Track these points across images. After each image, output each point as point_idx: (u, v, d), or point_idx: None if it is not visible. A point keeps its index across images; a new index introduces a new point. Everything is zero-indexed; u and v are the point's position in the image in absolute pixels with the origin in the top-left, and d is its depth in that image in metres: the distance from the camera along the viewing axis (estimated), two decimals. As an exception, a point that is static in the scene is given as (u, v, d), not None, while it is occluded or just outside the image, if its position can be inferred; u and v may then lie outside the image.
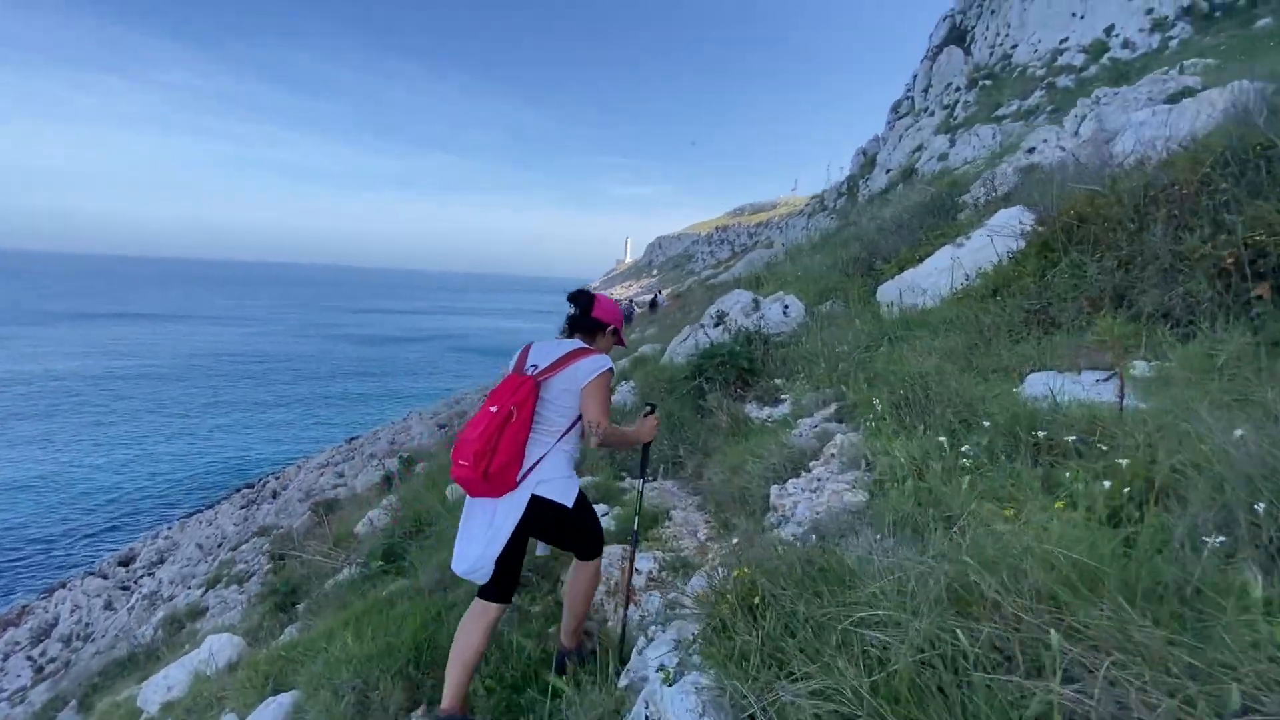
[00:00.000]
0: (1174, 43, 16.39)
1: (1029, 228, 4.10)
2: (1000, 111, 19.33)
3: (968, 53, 26.53)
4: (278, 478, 20.99)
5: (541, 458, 2.22)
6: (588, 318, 2.49)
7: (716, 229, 79.24)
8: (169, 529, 19.21)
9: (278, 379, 37.69)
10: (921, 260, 4.70)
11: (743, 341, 4.80)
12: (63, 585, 14.74)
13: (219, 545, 15.90)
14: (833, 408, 3.51)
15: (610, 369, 2.33)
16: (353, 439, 24.41)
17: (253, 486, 20.79)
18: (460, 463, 2.11)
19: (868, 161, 36.80)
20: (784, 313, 6.38)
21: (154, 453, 25.06)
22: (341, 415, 31.25)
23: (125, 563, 17.54)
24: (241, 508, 19.72)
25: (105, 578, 14.99)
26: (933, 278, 4.35)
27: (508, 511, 2.15)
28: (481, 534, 2.15)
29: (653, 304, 25.17)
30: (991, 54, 25.09)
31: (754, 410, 4.34)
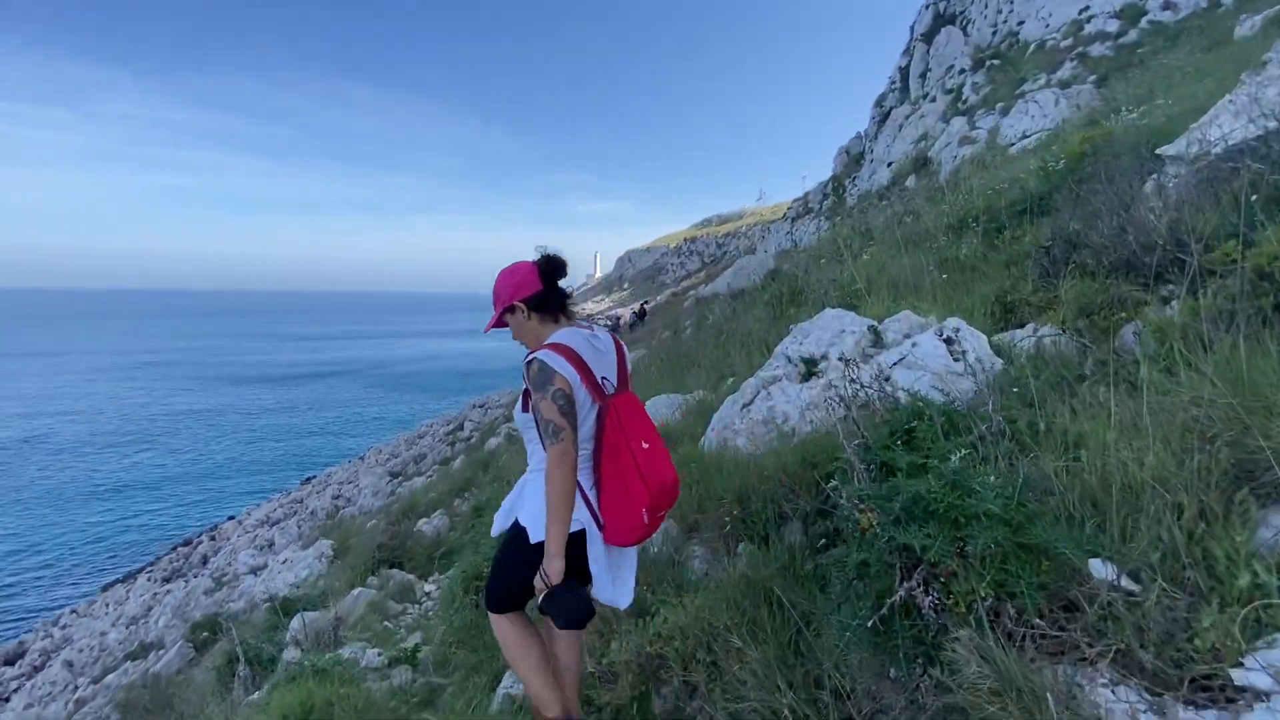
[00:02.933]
0: (1232, -2, 14.08)
1: None
2: (1025, 87, 16.90)
3: (966, 34, 24.35)
4: (213, 537, 18.51)
5: None
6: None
7: (685, 241, 77.06)
8: (74, 611, 15.97)
9: (222, 425, 34.28)
10: None
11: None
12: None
13: (95, 661, 12.47)
14: None
15: None
16: (308, 479, 22.48)
17: (189, 544, 18.54)
18: (665, 510, 1.88)
19: (852, 160, 34.45)
20: (949, 353, 3.34)
21: (77, 506, 21.91)
22: (299, 452, 28.35)
23: (11, 660, 14.32)
24: (165, 580, 16.53)
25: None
26: None
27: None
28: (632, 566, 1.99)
29: (641, 314, 22.75)
30: (995, 33, 22.86)
31: (1143, 711, 1.29)
